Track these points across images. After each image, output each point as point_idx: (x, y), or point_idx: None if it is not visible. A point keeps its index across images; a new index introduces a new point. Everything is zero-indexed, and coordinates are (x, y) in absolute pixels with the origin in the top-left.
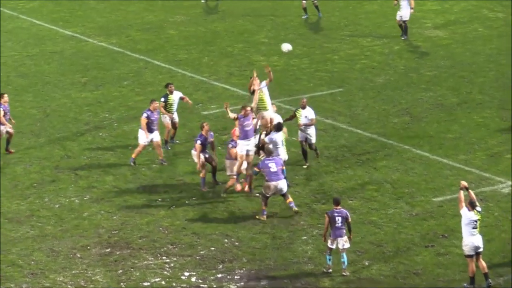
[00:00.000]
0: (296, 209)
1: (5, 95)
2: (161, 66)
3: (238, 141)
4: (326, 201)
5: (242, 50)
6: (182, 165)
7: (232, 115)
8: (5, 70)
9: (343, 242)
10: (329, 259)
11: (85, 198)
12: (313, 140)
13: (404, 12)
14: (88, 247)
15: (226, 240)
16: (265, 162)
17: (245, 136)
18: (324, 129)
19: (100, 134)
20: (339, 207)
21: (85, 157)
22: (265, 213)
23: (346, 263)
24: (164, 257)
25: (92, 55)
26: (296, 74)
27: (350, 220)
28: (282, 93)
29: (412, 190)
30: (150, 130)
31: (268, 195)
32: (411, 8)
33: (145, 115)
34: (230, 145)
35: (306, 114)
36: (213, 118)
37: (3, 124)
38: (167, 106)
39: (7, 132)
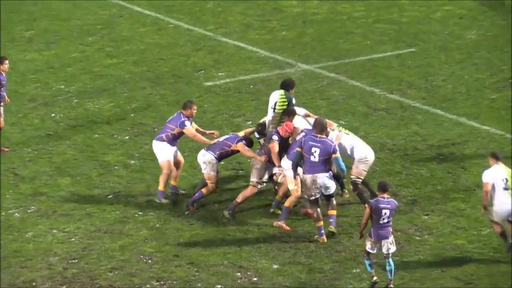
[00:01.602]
0: (334, 229)
1: (7, 61)
2: (144, 14)
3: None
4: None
5: None
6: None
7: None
8: None
9: (389, 245)
10: (370, 265)
11: (29, 211)
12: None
13: None
14: (34, 284)
15: (238, 274)
16: (309, 142)
17: None
18: (386, 108)
19: (53, 114)
20: (386, 195)
21: (30, 149)
22: (322, 230)
23: (393, 271)
24: None
25: None
26: (346, 27)
27: None
28: (325, 55)
29: None
30: (171, 142)
31: (312, 197)
32: None
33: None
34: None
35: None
36: (221, 91)
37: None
38: None
39: None
